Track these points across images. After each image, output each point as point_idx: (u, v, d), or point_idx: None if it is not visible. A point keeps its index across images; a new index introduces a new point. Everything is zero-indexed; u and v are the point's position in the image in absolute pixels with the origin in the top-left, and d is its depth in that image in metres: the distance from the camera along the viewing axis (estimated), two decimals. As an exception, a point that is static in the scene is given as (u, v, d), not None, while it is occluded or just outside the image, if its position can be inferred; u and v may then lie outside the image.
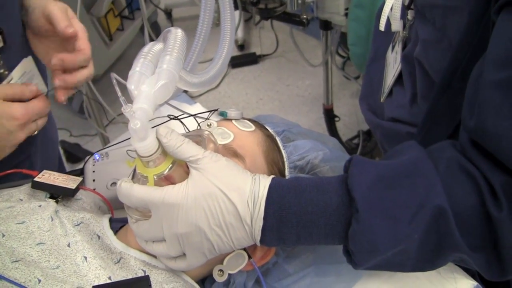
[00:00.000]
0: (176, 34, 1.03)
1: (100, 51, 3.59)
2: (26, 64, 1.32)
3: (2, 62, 1.27)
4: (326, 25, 2.69)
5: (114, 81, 0.94)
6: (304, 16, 2.62)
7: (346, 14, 2.46)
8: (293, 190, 0.97)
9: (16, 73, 1.30)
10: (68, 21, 1.27)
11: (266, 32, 4.15)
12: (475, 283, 1.17)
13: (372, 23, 2.27)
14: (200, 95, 3.85)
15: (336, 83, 3.10)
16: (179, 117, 1.30)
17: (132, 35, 4.01)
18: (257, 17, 2.86)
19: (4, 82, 1.27)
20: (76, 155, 3.38)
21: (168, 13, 4.54)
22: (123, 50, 3.96)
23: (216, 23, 1.13)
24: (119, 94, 0.93)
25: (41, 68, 1.41)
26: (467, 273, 1.20)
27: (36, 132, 1.26)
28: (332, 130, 3.17)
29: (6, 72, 1.28)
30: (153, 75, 0.98)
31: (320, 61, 3.02)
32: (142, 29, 4.13)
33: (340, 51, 3.59)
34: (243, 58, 4.20)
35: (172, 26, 4.21)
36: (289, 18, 2.72)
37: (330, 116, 3.17)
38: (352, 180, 0.94)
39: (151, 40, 3.40)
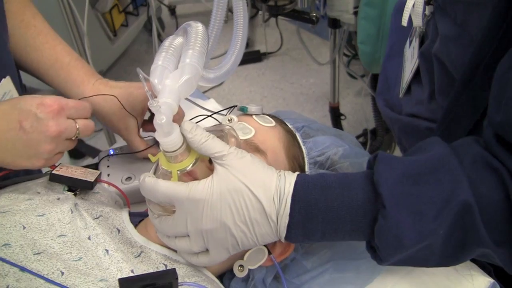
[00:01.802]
0: (197, 28, 1.03)
1: (104, 47, 3.59)
2: (5, 85, 1.27)
3: None
4: (335, 23, 2.68)
5: (141, 76, 0.94)
6: (314, 14, 2.63)
7: (355, 13, 2.46)
8: (318, 186, 0.97)
9: None
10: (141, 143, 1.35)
11: (270, 30, 4.15)
12: (491, 280, 1.18)
13: (383, 22, 2.28)
14: (204, 92, 3.84)
15: (341, 82, 3.09)
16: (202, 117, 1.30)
17: (136, 31, 4.01)
18: (266, 15, 2.85)
19: None
20: (79, 151, 3.37)
21: (172, 10, 4.53)
22: (127, 46, 3.96)
23: (225, 19, 1.13)
24: (146, 89, 0.93)
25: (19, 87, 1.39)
26: (483, 270, 1.20)
27: (74, 137, 1.16)
28: (338, 129, 3.15)
29: None
30: (176, 70, 0.99)
31: (325, 60, 3.02)
32: (146, 25, 4.13)
33: (344, 50, 3.58)
34: (247, 56, 4.19)
35: (176, 22, 4.23)
36: (298, 16, 2.72)
37: (336, 114, 3.17)
38: (378, 176, 0.94)
39: (159, 35, 3.41)
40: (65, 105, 1.11)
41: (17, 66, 1.37)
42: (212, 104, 1.74)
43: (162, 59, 0.99)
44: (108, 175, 1.43)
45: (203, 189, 0.95)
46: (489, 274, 1.20)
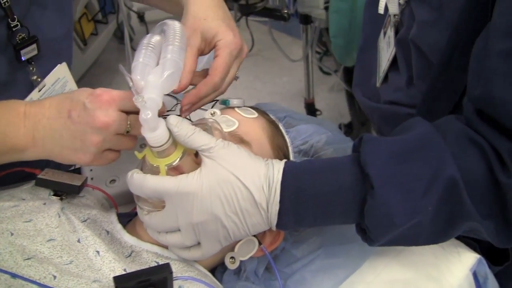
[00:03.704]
0: (174, 26, 1.04)
1: (75, 57, 3.53)
2: (60, 71, 1.31)
3: (36, 69, 1.27)
4: (306, 19, 2.71)
5: (124, 72, 0.94)
6: (285, 11, 2.63)
7: (325, 8, 2.49)
8: (307, 172, 0.98)
9: (49, 80, 1.29)
10: (225, 73, 1.19)
11: (241, 31, 4.12)
12: (478, 255, 1.20)
13: (354, 14, 2.30)
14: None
15: (314, 78, 3.11)
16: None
17: (106, 40, 3.98)
18: (238, 14, 2.85)
19: (36, 89, 1.27)
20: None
21: (141, 16, 4.51)
22: (98, 54, 3.92)
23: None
24: (130, 84, 0.94)
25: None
26: (469, 247, 1.22)
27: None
28: (315, 124, 3.16)
29: (39, 79, 1.28)
30: (158, 66, 0.99)
31: (297, 58, 3.03)
32: (116, 33, 4.11)
33: (316, 47, 3.60)
34: (219, 58, 4.13)
35: (146, 28, 4.20)
36: (270, 13, 2.72)
37: (311, 110, 3.19)
38: (365, 157, 0.95)
39: (131, 40, 3.39)
40: (116, 96, 1.02)
41: None
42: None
43: (142, 56, 0.99)
44: (92, 178, 1.42)
45: (192, 182, 0.96)
46: (475, 250, 1.22)
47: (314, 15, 2.58)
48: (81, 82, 3.64)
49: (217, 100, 1.25)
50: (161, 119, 0.97)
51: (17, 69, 1.24)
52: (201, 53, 1.20)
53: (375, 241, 0.99)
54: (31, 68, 1.26)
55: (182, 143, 0.99)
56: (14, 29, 1.19)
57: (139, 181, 0.99)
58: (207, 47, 1.20)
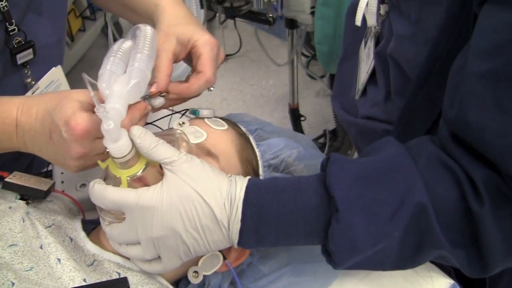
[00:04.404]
0: (146, 31, 1.03)
1: (62, 52, 3.53)
2: (55, 73, 1.33)
3: (30, 72, 1.30)
4: (292, 24, 2.69)
5: (87, 81, 0.92)
6: (270, 15, 2.62)
7: (312, 13, 2.46)
8: (270, 190, 0.96)
9: (43, 83, 1.31)
10: (215, 68, 1.18)
11: (229, 32, 4.13)
12: (451, 281, 1.17)
13: (339, 22, 2.28)
14: (163, 95, 3.81)
15: (300, 82, 3.09)
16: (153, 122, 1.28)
17: (94, 36, 3.96)
18: (222, 16, 2.84)
19: (30, 91, 1.30)
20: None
21: (130, 14, 4.49)
22: (85, 51, 3.91)
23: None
24: (92, 94, 0.92)
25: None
26: (443, 271, 1.20)
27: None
28: (298, 130, 3.16)
29: (33, 82, 1.31)
30: (125, 74, 0.98)
31: (284, 61, 3.02)
32: (103, 30, 4.09)
33: (303, 50, 3.59)
34: (207, 58, 4.12)
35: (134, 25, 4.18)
36: (255, 17, 2.72)
37: (295, 116, 3.17)
38: (331, 179, 0.93)
39: (115, 40, 3.36)
40: (91, 128, 0.98)
41: None
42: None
43: (110, 64, 0.98)
44: (62, 182, 1.41)
45: (153, 196, 0.94)
46: (449, 275, 1.19)
47: (300, 20, 2.56)
48: (67, 78, 3.64)
49: (187, 110, 1.23)
50: (124, 130, 0.95)
51: (12, 72, 1.27)
52: (177, 58, 1.19)
53: (339, 264, 0.97)
54: (25, 71, 1.29)
55: (145, 155, 0.97)
56: (11, 33, 1.22)
57: (99, 192, 0.97)
58: (183, 51, 1.19)
